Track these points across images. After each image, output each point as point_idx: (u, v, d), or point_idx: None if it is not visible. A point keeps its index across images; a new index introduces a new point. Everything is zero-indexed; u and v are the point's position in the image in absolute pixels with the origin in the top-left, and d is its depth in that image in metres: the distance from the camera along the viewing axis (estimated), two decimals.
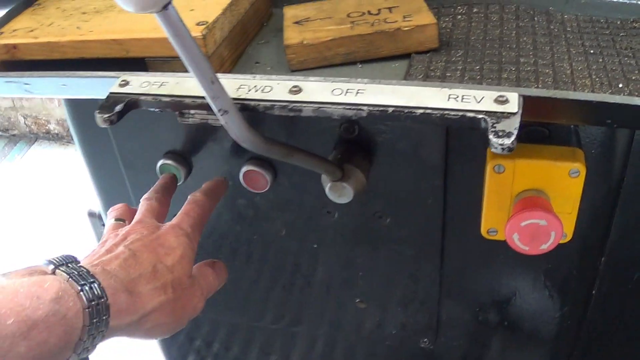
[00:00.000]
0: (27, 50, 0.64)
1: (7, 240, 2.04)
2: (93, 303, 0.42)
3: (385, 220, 0.70)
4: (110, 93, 0.54)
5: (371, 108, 0.47)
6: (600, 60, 0.59)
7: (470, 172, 0.61)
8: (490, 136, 0.44)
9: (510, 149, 0.43)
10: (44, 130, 2.35)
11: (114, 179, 0.80)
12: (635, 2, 0.67)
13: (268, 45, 0.68)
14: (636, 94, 0.54)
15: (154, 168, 0.71)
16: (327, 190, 0.61)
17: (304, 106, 0.49)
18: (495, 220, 0.61)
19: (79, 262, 0.47)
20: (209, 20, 0.59)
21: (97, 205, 0.93)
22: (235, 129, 0.49)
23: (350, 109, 0.48)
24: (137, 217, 0.57)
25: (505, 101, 0.46)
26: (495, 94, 0.47)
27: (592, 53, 0.60)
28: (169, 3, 0.42)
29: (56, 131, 2.35)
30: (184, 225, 0.54)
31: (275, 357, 0.95)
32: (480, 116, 0.45)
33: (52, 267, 0.45)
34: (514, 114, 0.45)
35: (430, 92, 0.48)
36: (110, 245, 0.51)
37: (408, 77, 0.57)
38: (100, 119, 0.52)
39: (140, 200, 0.59)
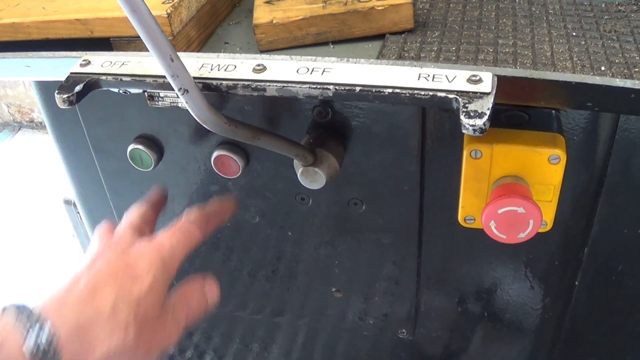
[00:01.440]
0: None
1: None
2: (40, 350, 0.38)
3: (361, 207, 0.67)
4: (71, 73, 0.51)
5: (337, 87, 0.44)
6: (583, 42, 0.56)
7: (448, 157, 0.58)
8: (462, 116, 0.41)
9: (482, 130, 0.40)
10: (28, 119, 2.32)
11: (86, 164, 0.76)
12: None
13: (239, 26, 0.65)
14: (619, 76, 0.51)
15: (125, 153, 0.68)
16: (299, 175, 0.58)
17: (268, 85, 0.46)
18: (473, 207, 0.59)
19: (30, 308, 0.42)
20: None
21: (71, 193, 0.90)
22: (196, 109, 0.46)
23: (316, 88, 0.45)
24: (116, 231, 0.52)
25: (479, 81, 0.43)
26: (468, 73, 0.44)
27: (574, 35, 0.57)
28: None
29: (40, 119, 2.32)
30: (163, 248, 0.48)
31: (256, 346, 0.93)
32: (451, 96, 0.42)
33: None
34: (487, 94, 0.42)
35: (401, 71, 0.45)
36: (76, 274, 0.46)
37: (380, 57, 0.55)
38: (59, 99, 0.49)
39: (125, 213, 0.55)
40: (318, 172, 0.57)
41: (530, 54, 0.54)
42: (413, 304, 0.76)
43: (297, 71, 0.46)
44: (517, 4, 0.63)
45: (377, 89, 0.44)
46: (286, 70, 0.46)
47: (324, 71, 0.46)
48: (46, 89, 0.71)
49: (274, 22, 0.57)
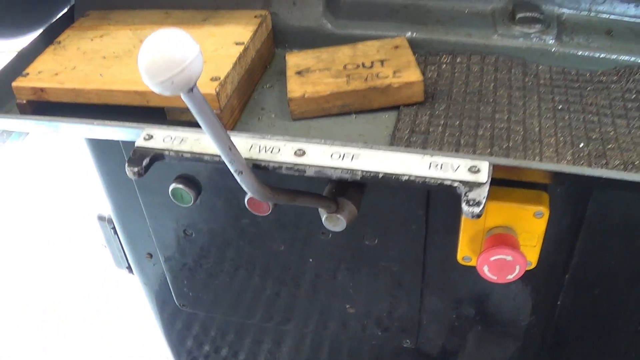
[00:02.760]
0: (54, 93, 0.73)
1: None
2: None
3: (374, 241, 0.81)
4: (137, 147, 0.64)
5: (364, 173, 0.58)
6: (567, 117, 0.69)
7: (450, 204, 0.72)
8: (463, 204, 0.54)
9: (479, 216, 0.54)
10: None
11: (130, 201, 0.90)
12: (602, 56, 0.77)
13: (272, 90, 0.77)
14: (594, 153, 0.64)
15: (167, 189, 0.81)
16: (323, 220, 0.71)
17: (307, 168, 0.59)
18: (469, 249, 0.73)
19: None
20: (222, 76, 0.68)
21: (107, 211, 1.04)
22: (248, 186, 0.59)
23: (347, 172, 0.58)
24: None
25: (477, 171, 0.56)
26: (469, 162, 0.57)
27: (560, 109, 0.70)
28: (194, 86, 0.52)
29: None
30: None
31: (283, 350, 1.08)
32: (455, 184, 0.56)
33: None
34: (484, 183, 0.55)
35: (415, 159, 0.58)
36: None
37: (396, 131, 0.68)
38: (129, 171, 0.62)
39: None
40: (340, 218, 0.71)
41: (521, 129, 0.67)
42: (416, 320, 0.91)
43: (331, 156, 0.59)
44: (512, 74, 0.76)
45: (396, 176, 0.57)
46: (322, 155, 0.59)
47: (353, 157, 0.59)
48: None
49: (306, 96, 0.70)
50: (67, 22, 0.93)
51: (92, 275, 1.90)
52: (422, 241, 0.79)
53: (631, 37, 0.79)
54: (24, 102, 0.76)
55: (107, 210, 1.03)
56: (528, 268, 0.72)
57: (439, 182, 0.57)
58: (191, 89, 0.51)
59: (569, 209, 0.71)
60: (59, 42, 0.81)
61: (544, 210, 0.67)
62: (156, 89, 0.50)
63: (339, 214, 0.70)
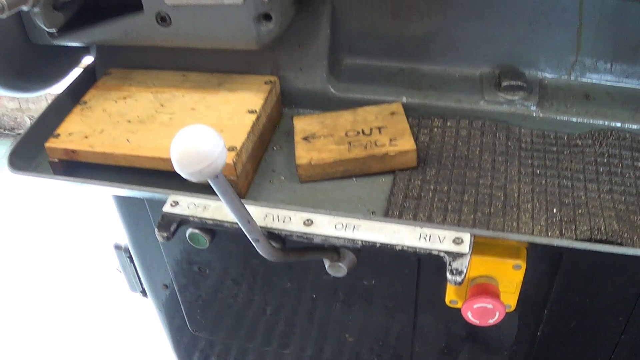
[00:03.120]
0: (84, 155, 0.84)
1: (9, 240, 2.25)
2: None
3: (371, 281, 0.93)
4: (165, 212, 0.75)
5: (364, 242, 0.69)
6: (543, 182, 0.81)
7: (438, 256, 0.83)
8: (447, 273, 0.66)
9: (460, 283, 0.66)
10: None
11: (148, 238, 1.01)
12: (579, 120, 0.88)
13: (281, 151, 0.89)
14: (565, 219, 0.76)
15: (184, 233, 0.92)
16: (327, 267, 0.83)
17: (315, 236, 0.71)
18: (456, 294, 0.85)
19: None
20: (237, 146, 0.79)
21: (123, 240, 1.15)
22: (264, 251, 0.71)
23: (349, 242, 0.70)
24: None
25: (461, 242, 0.68)
26: (454, 234, 0.69)
27: (538, 174, 0.82)
28: (220, 174, 0.63)
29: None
30: None
31: None
32: (441, 254, 0.67)
33: None
34: (466, 254, 0.67)
35: (407, 231, 0.69)
36: None
37: (392, 196, 0.79)
38: (159, 236, 0.74)
39: None
40: (341, 266, 0.82)
41: (502, 195, 0.79)
42: (409, 347, 1.03)
43: (335, 227, 0.71)
44: (497, 138, 0.87)
45: (391, 246, 0.68)
46: (327, 224, 0.71)
47: (354, 228, 0.70)
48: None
49: (312, 163, 0.81)
50: (88, 76, 1.04)
51: (105, 297, 2.03)
52: (414, 284, 0.91)
53: (607, 102, 0.90)
54: (56, 160, 0.87)
55: (124, 239, 1.15)
56: (508, 310, 0.84)
57: (427, 252, 0.68)
58: (217, 176, 0.63)
59: (544, 261, 0.83)
60: (85, 103, 0.92)
61: (522, 264, 0.78)
62: (186, 177, 0.61)
63: (341, 262, 0.82)
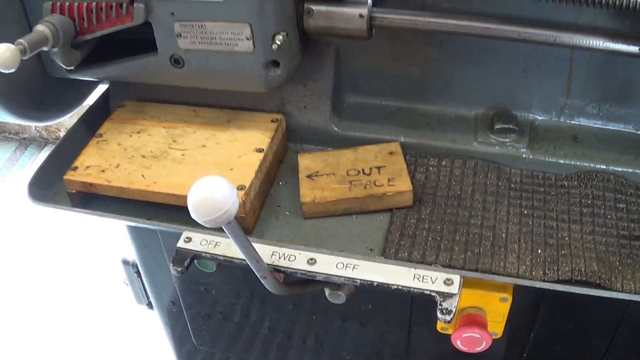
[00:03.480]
0: (102, 189, 0.93)
1: (14, 248, 2.34)
2: None
3: (368, 306, 1.02)
4: (179, 248, 0.84)
5: (362, 281, 0.78)
6: (530, 222, 0.90)
7: None
8: (438, 312, 0.75)
9: (449, 322, 0.75)
10: (54, 137, 2.63)
11: (156, 256, 1.10)
12: (567, 162, 0.97)
13: (286, 187, 0.98)
14: (549, 259, 0.84)
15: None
16: (327, 295, 0.92)
17: (318, 274, 0.80)
18: (447, 323, 0.94)
19: None
20: (246, 185, 0.88)
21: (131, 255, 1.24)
22: (270, 286, 0.80)
23: (348, 280, 0.79)
24: None
25: (451, 283, 0.77)
26: (444, 275, 0.78)
27: (525, 214, 0.91)
28: (232, 220, 0.72)
29: None
30: None
31: None
32: (433, 294, 0.76)
33: None
34: (455, 294, 0.76)
35: (402, 271, 0.78)
36: None
37: (389, 234, 0.88)
38: (174, 270, 0.82)
39: None
40: (341, 294, 0.91)
41: (491, 235, 0.87)
42: None
43: (337, 266, 0.80)
44: (488, 178, 0.96)
45: (387, 285, 0.77)
46: (329, 263, 0.80)
47: (353, 268, 0.79)
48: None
49: (315, 201, 0.90)
50: (102, 104, 1.13)
51: (111, 307, 2.13)
52: (408, 310, 1.00)
53: (594, 144, 0.99)
54: (74, 192, 0.95)
55: (131, 255, 1.24)
56: (495, 337, 0.93)
57: (420, 291, 0.77)
58: (229, 222, 0.71)
59: (529, 295, 0.92)
60: (101, 135, 1.01)
61: (508, 297, 0.87)
62: (202, 223, 0.70)
63: (340, 291, 0.91)
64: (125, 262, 1.33)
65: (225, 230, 0.72)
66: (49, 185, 1.01)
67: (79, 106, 1.14)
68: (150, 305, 1.37)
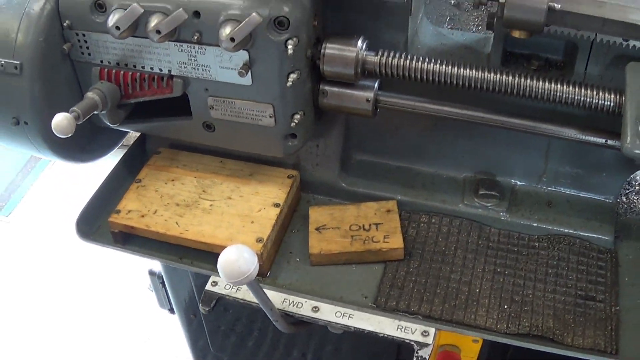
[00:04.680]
0: (141, 232, 1.20)
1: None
2: None
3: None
4: (206, 290, 1.12)
5: (355, 328, 1.06)
6: (501, 280, 1.16)
7: None
8: (414, 358, 1.02)
9: None
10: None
11: (184, 283, 1.38)
12: (539, 225, 1.23)
13: (299, 234, 1.24)
14: (513, 315, 1.11)
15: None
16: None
17: (320, 320, 1.07)
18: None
19: None
20: (264, 237, 1.15)
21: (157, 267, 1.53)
22: (280, 327, 1.07)
23: (344, 327, 1.06)
24: None
25: (427, 335, 1.04)
26: (423, 327, 1.05)
27: (498, 272, 1.17)
28: (254, 279, 0.99)
29: None
30: None
31: None
32: (412, 343, 1.03)
33: None
34: (429, 344, 1.03)
35: (388, 322, 1.06)
36: None
37: (381, 284, 1.15)
38: (202, 309, 1.10)
39: None
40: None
41: (466, 290, 1.14)
42: None
43: (335, 314, 1.07)
44: (470, 236, 1.22)
45: (375, 333, 1.05)
46: (330, 312, 1.07)
47: (349, 317, 1.06)
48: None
49: (321, 252, 1.17)
50: (140, 147, 1.39)
51: (135, 310, 2.45)
52: (395, 348, 1.28)
53: (566, 209, 1.25)
54: (117, 231, 1.23)
55: (157, 266, 1.52)
56: None
57: (402, 340, 1.04)
58: (251, 282, 0.99)
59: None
60: (140, 181, 1.28)
61: (479, 339, 1.15)
62: (228, 282, 0.97)
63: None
64: (152, 273, 1.61)
65: (247, 287, 1.00)
66: (94, 222, 1.29)
67: (117, 146, 1.41)
68: (172, 310, 1.66)
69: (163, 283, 1.59)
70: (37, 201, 2.99)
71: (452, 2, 1.57)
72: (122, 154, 1.40)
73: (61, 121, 1.08)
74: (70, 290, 2.56)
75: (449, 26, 1.54)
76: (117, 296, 2.52)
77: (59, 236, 2.72)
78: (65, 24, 1.17)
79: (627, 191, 1.31)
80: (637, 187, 1.31)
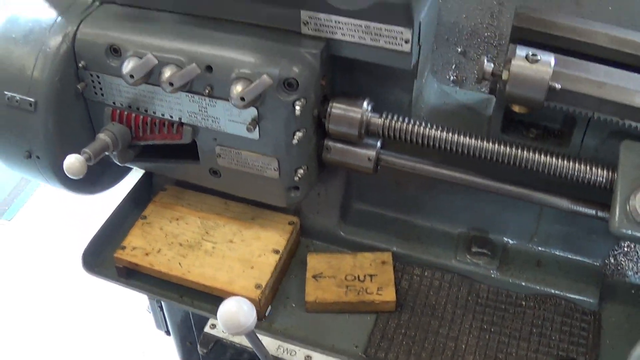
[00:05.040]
0: (145, 269, 1.27)
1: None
2: None
3: None
4: (205, 332, 1.19)
5: None
6: (487, 337, 1.23)
7: None
8: None
9: None
10: None
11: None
12: (528, 285, 1.30)
13: (295, 279, 1.32)
14: None
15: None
16: None
17: None
18: None
19: None
20: (263, 284, 1.22)
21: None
22: None
23: None
24: None
25: None
26: None
27: (484, 329, 1.24)
28: (253, 329, 1.06)
29: None
30: None
31: None
32: None
33: None
34: None
35: None
36: None
37: (372, 335, 1.22)
38: (200, 351, 1.17)
39: None
40: None
41: (453, 345, 1.21)
42: None
43: None
44: (460, 292, 1.29)
45: None
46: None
47: None
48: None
49: (317, 300, 1.24)
50: (147, 182, 1.46)
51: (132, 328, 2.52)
52: None
53: (554, 270, 1.32)
54: (121, 266, 1.30)
55: None
56: None
57: None
58: (249, 332, 1.06)
59: None
60: (145, 218, 1.35)
61: None
62: (227, 332, 1.04)
63: None
64: (151, 297, 1.68)
65: (245, 337, 1.07)
66: (99, 254, 1.36)
67: (124, 178, 1.48)
68: (168, 332, 1.73)
69: (161, 307, 1.66)
70: (40, 206, 3.07)
71: (459, 50, 1.64)
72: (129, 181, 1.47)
73: (73, 163, 1.15)
74: (70, 298, 2.64)
75: (455, 74, 1.60)
76: (115, 311, 2.59)
77: (61, 241, 2.79)
78: (80, 64, 1.23)
79: (615, 252, 1.38)
80: (625, 249, 1.38)
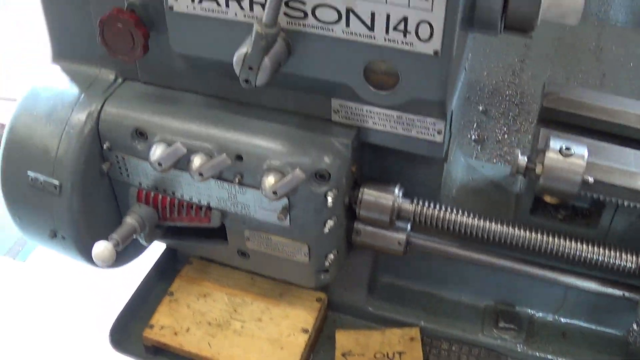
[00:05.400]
0: (174, 349, 1.29)
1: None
2: None
3: None
4: None
5: None
6: None
7: None
8: None
9: None
10: None
11: None
12: (553, 357, 1.33)
13: (324, 355, 1.34)
14: None
15: None
16: None
17: None
18: None
19: None
20: None
21: None
22: None
23: None
24: None
25: None
26: None
27: None
28: None
29: None
30: None
31: None
32: None
33: None
34: None
35: None
36: None
37: None
38: None
39: None
40: None
41: None
42: None
43: None
44: None
45: None
46: None
47: None
48: None
49: None
50: (170, 256, 1.47)
51: None
52: None
53: (578, 341, 1.35)
54: (150, 345, 1.32)
55: None
56: None
57: None
58: None
59: None
60: (172, 294, 1.37)
61: None
62: None
63: None
64: None
65: None
66: (126, 330, 1.38)
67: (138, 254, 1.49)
68: None
69: None
70: None
71: (480, 108, 1.66)
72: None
73: (102, 252, 1.16)
74: (86, 337, 2.63)
75: (476, 133, 1.62)
76: None
77: (76, 282, 2.79)
78: (105, 146, 1.23)
79: (639, 320, 1.41)
80: None
